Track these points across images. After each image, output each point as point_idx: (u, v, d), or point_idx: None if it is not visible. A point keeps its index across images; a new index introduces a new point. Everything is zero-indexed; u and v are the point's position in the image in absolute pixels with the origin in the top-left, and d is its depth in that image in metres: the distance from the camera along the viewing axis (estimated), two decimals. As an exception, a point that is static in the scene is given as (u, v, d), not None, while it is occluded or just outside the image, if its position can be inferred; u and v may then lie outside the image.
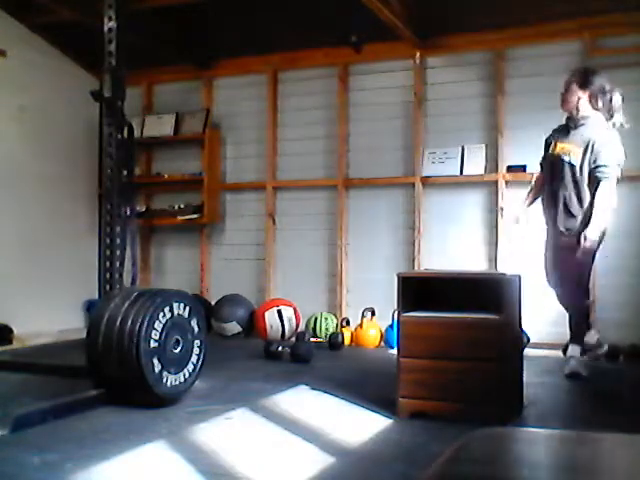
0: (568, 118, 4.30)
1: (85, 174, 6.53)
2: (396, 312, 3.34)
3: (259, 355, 4.84)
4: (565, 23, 5.22)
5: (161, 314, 3.30)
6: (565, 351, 4.41)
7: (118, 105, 3.98)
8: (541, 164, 4.44)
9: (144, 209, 6.59)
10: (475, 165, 5.52)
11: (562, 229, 4.19)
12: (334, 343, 5.29)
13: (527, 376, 3.49)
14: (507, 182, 5.41)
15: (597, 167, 4.09)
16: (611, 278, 5.09)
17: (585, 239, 4.01)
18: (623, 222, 5.11)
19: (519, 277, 3.43)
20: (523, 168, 5.32)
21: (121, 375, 3.23)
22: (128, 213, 4.05)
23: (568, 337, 4.36)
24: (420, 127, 5.70)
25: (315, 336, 5.54)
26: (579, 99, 4.18)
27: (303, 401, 3.57)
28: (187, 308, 3.47)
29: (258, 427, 3.04)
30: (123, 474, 2.42)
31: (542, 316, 5.16)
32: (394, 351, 4.28)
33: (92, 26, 4.35)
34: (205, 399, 3.49)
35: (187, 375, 3.45)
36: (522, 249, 5.34)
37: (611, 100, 4.21)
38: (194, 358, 3.50)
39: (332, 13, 5.47)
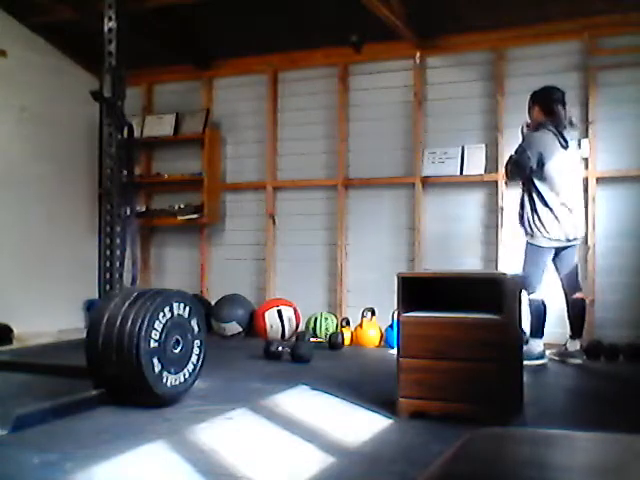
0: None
1: (85, 174, 6.53)
2: (396, 312, 3.34)
3: (259, 355, 4.83)
4: (565, 23, 5.22)
5: (161, 314, 3.30)
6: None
7: (118, 105, 3.98)
8: None
9: (144, 209, 6.59)
10: (475, 165, 5.52)
11: None
12: (334, 343, 5.29)
13: (527, 376, 3.50)
14: (507, 182, 5.41)
15: None
16: (610, 278, 5.10)
17: None
18: (623, 222, 5.12)
19: (519, 277, 3.43)
20: (523, 168, 5.32)
21: (121, 375, 3.23)
22: (128, 213, 4.06)
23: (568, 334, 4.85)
24: (420, 127, 5.70)
25: (315, 336, 5.54)
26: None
27: (303, 401, 3.57)
28: (187, 308, 3.47)
29: (258, 427, 3.04)
30: (123, 474, 2.42)
31: (542, 316, 5.16)
32: (394, 351, 4.28)
33: (92, 26, 4.35)
34: (205, 399, 3.49)
35: (187, 375, 3.45)
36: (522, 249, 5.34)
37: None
38: (194, 358, 3.50)
39: (332, 13, 5.47)
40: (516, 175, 4.64)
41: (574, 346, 4.68)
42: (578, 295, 4.72)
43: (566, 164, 4.61)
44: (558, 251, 4.68)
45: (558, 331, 5.14)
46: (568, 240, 4.62)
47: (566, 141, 4.60)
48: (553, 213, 4.55)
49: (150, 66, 6.44)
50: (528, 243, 4.64)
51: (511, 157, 4.67)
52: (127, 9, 4.13)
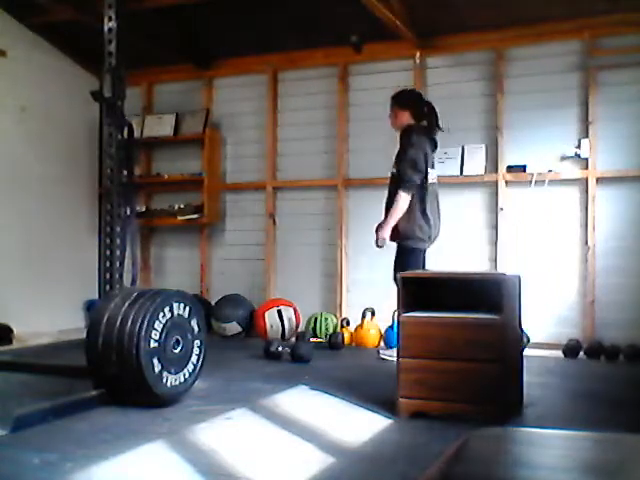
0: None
1: (85, 174, 6.53)
2: (396, 312, 3.34)
3: (259, 355, 4.84)
4: (565, 23, 5.21)
5: (161, 314, 3.30)
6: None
7: (118, 105, 3.98)
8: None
9: (144, 209, 6.59)
10: (475, 165, 5.52)
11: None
12: (334, 343, 5.29)
13: (527, 376, 3.50)
14: (507, 182, 5.41)
15: None
16: (611, 278, 5.09)
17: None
18: (623, 222, 5.12)
19: (519, 277, 3.43)
20: (523, 168, 5.33)
21: (121, 375, 3.23)
22: (128, 213, 4.05)
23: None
24: (420, 127, 5.69)
25: (315, 336, 5.53)
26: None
27: (303, 401, 3.57)
28: (187, 308, 3.47)
29: (258, 427, 3.04)
30: (123, 474, 2.42)
31: (542, 316, 5.17)
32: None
33: (92, 26, 4.35)
34: (205, 399, 3.49)
35: (187, 375, 3.45)
36: (522, 249, 5.35)
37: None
38: (194, 358, 3.50)
39: (332, 13, 5.47)
40: (418, 178, 4.57)
41: None
42: None
43: (433, 167, 4.72)
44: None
45: (559, 331, 5.15)
46: (431, 242, 4.71)
47: (436, 144, 4.72)
48: (429, 215, 4.60)
49: (150, 66, 6.44)
50: (408, 247, 4.58)
51: (407, 162, 4.55)
52: (127, 9, 4.13)
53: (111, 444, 2.71)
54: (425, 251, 4.71)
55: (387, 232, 4.52)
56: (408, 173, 4.50)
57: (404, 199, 4.49)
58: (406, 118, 4.71)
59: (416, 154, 4.52)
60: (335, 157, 6.02)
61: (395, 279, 4.76)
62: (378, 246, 4.59)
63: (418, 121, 4.70)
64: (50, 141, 6.15)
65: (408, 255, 4.59)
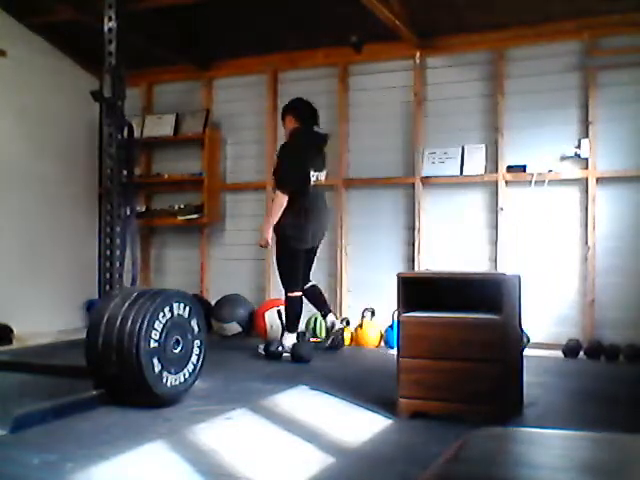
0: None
1: (85, 174, 6.53)
2: (396, 312, 3.34)
3: (259, 355, 4.84)
4: (565, 23, 5.22)
5: (161, 314, 3.30)
6: None
7: (118, 105, 3.98)
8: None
9: (144, 209, 6.59)
10: (475, 165, 5.52)
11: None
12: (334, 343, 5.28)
13: (527, 376, 3.50)
14: (507, 182, 5.41)
15: None
16: (611, 278, 5.09)
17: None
18: (622, 222, 5.12)
19: (519, 277, 3.43)
20: (523, 168, 5.33)
21: (121, 375, 3.23)
22: (128, 213, 4.05)
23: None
24: (420, 127, 5.70)
25: (315, 336, 5.53)
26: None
27: (303, 401, 3.57)
28: (187, 308, 3.47)
29: (258, 427, 3.04)
30: (123, 474, 2.42)
31: (542, 316, 5.17)
32: (394, 351, 4.28)
33: (92, 26, 4.35)
34: (205, 399, 3.49)
35: (187, 375, 3.45)
36: (522, 249, 5.35)
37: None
38: (194, 358, 3.50)
39: (332, 13, 5.47)
40: (296, 178, 4.77)
41: (290, 340, 4.90)
42: (308, 285, 5.07)
43: (320, 170, 4.93)
44: (307, 251, 4.96)
45: (558, 331, 5.15)
46: (315, 243, 4.98)
47: (321, 146, 4.96)
48: (309, 216, 4.78)
49: (150, 66, 6.44)
50: (287, 246, 4.80)
51: (287, 165, 4.80)
52: (127, 9, 4.13)
53: (111, 444, 2.71)
54: (310, 250, 4.96)
55: (268, 233, 4.77)
56: (285, 174, 4.78)
57: (280, 198, 4.74)
58: (291, 122, 5.00)
59: (295, 156, 4.80)
60: (335, 157, 6.00)
61: (281, 278, 4.92)
62: (262, 246, 4.90)
63: (303, 124, 4.96)
64: (50, 141, 6.14)
65: (289, 255, 4.81)
